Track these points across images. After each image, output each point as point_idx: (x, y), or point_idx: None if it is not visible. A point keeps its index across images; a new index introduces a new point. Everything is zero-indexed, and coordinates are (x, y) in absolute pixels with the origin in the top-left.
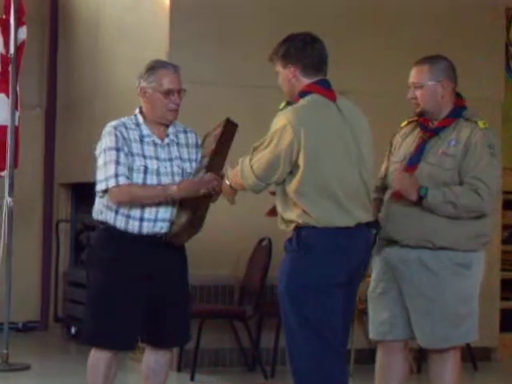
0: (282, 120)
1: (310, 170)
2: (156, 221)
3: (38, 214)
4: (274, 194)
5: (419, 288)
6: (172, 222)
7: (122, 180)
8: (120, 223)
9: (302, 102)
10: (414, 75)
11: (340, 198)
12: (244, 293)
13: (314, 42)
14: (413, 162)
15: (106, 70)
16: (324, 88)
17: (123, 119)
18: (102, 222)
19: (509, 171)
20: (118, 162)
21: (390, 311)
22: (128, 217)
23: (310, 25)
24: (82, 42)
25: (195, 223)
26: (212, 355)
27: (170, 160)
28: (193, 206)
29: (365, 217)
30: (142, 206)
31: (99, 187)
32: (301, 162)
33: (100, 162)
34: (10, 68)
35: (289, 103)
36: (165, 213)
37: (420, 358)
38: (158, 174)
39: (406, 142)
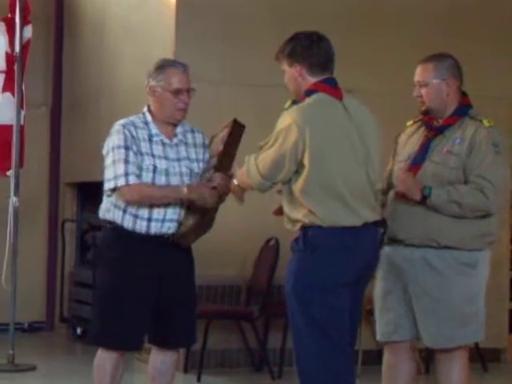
0: (287, 119)
1: (315, 170)
2: (164, 221)
3: (43, 213)
4: (280, 192)
5: (424, 287)
6: (180, 223)
7: (132, 179)
8: (128, 223)
9: (307, 100)
10: (419, 73)
11: (346, 198)
12: (251, 293)
13: (320, 40)
14: (417, 161)
15: (112, 68)
16: (330, 86)
17: (131, 118)
18: (109, 222)
19: None
20: (127, 161)
21: (395, 311)
22: (136, 217)
23: (316, 24)
24: (87, 41)
25: (203, 225)
26: (219, 356)
27: (178, 160)
28: (202, 209)
29: (372, 216)
30: (151, 206)
31: (107, 186)
32: (306, 161)
33: (108, 160)
34: (15, 67)
35: (294, 102)
36: (173, 213)
37: (428, 359)
38: (167, 174)
39: (410, 140)
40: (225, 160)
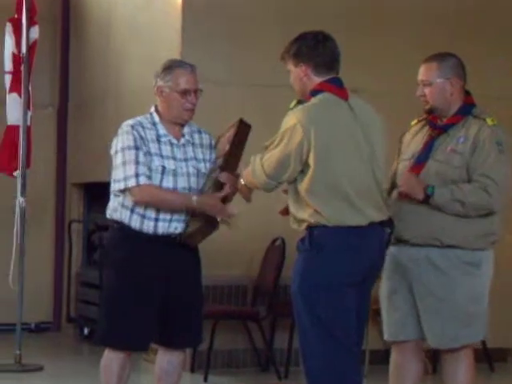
0: (292, 119)
1: (320, 169)
2: (171, 221)
3: (50, 214)
4: (286, 192)
5: (428, 287)
6: (187, 223)
7: (143, 180)
8: (135, 223)
9: (313, 100)
10: (422, 73)
11: (351, 197)
12: (257, 293)
13: (325, 40)
14: (421, 160)
15: (118, 69)
16: (336, 86)
17: (139, 118)
18: (117, 221)
19: None
20: (137, 162)
21: (401, 311)
22: (143, 217)
23: (322, 23)
24: (93, 42)
25: (210, 225)
26: (225, 356)
27: (186, 160)
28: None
29: (377, 216)
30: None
31: (117, 186)
32: (311, 161)
33: (118, 161)
34: (22, 67)
35: (300, 102)
36: (180, 213)
37: (435, 359)
38: (175, 174)
39: (415, 140)
40: (231, 160)
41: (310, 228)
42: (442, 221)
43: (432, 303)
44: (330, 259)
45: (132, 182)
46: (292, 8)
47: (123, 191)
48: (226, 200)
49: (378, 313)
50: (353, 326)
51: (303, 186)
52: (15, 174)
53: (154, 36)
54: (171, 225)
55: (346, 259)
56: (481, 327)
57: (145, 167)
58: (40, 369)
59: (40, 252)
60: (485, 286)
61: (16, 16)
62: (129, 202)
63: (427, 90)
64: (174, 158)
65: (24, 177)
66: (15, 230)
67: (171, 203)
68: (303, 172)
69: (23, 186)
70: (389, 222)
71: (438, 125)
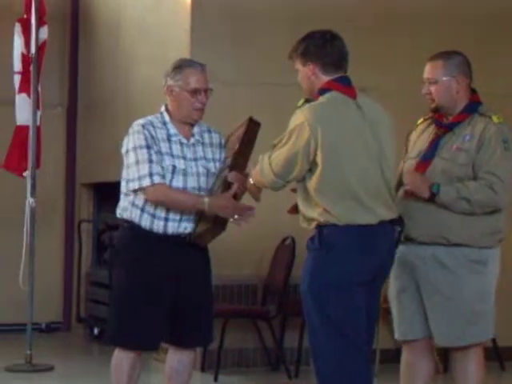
0: (299, 118)
1: (328, 168)
2: (181, 221)
3: (60, 214)
4: (295, 191)
5: (435, 285)
6: (196, 223)
7: (157, 179)
8: (145, 222)
9: (320, 99)
10: (428, 71)
11: (361, 196)
12: (267, 292)
13: (333, 39)
14: (427, 158)
15: (127, 69)
16: (344, 85)
17: (150, 117)
18: (127, 221)
19: None
20: (151, 161)
21: (409, 310)
22: (153, 216)
23: (329, 23)
24: (102, 42)
25: (220, 224)
26: (236, 355)
27: (196, 160)
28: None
29: (387, 214)
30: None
31: (131, 186)
32: (319, 159)
33: (130, 160)
34: (31, 68)
35: (307, 101)
36: (189, 213)
37: (446, 358)
38: (185, 174)
39: (421, 138)
40: (240, 159)
41: (320, 227)
42: (448, 219)
43: (439, 301)
44: (340, 258)
45: (146, 182)
46: (300, 7)
47: (136, 191)
48: (235, 199)
49: (388, 312)
50: (363, 324)
51: (312, 184)
52: (25, 174)
53: (163, 36)
54: (181, 225)
55: (356, 258)
56: (488, 325)
57: (158, 166)
58: (50, 369)
59: (50, 252)
60: (491, 285)
61: (25, 16)
62: (139, 201)
63: (433, 88)
64: (184, 158)
65: (34, 177)
66: (25, 230)
67: (183, 204)
68: (311, 171)
69: (33, 186)
70: (399, 221)
71: (444, 123)
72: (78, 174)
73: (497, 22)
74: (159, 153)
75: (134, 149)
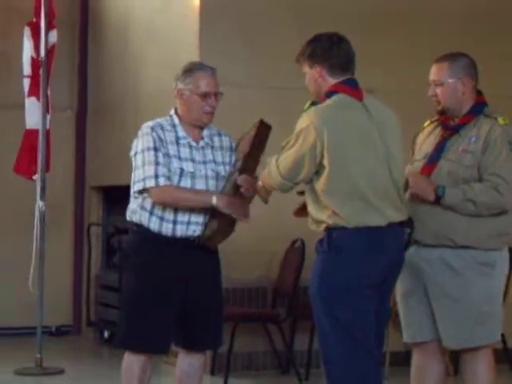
0: (305, 120)
1: (336, 170)
2: (189, 223)
3: (69, 217)
4: (301, 193)
5: (443, 288)
6: (205, 226)
7: (163, 181)
8: (154, 225)
9: (327, 101)
10: (434, 73)
11: (369, 198)
12: (277, 295)
13: (340, 41)
14: (432, 160)
15: (136, 72)
16: (350, 87)
17: (159, 120)
18: (136, 224)
19: None
20: (157, 163)
21: (417, 312)
22: (162, 219)
23: (337, 25)
24: (111, 45)
25: (228, 226)
26: (245, 358)
27: (204, 163)
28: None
29: (396, 216)
30: (176, 209)
31: (136, 187)
32: (326, 162)
33: (138, 162)
34: (40, 71)
35: (314, 103)
36: (198, 216)
37: (457, 360)
38: (193, 176)
39: (427, 140)
40: (250, 161)
41: (329, 229)
42: (454, 221)
43: (447, 304)
44: (349, 261)
45: (151, 183)
46: (311, 10)
47: (142, 192)
48: (244, 201)
49: (397, 314)
50: (372, 327)
51: (320, 186)
52: (34, 177)
53: (172, 39)
54: (189, 227)
55: (365, 261)
56: (496, 327)
57: (164, 168)
58: (61, 372)
59: (59, 255)
60: (499, 287)
61: (34, 20)
62: (148, 203)
63: (439, 90)
64: (193, 161)
65: (43, 180)
66: (35, 233)
67: (190, 201)
68: (319, 173)
69: (42, 189)
70: (408, 223)
71: (450, 125)
72: (87, 177)
73: (504, 22)
74: (167, 155)
75: (142, 151)
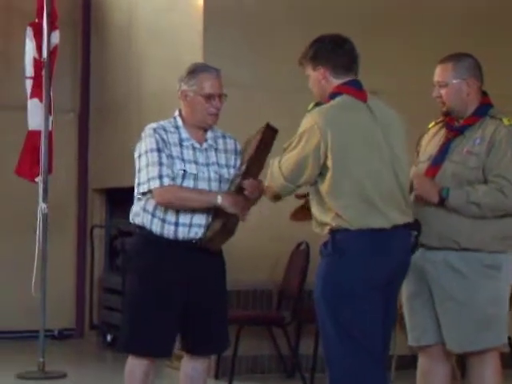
0: (309, 121)
1: (339, 172)
2: (191, 226)
3: (72, 219)
4: (299, 197)
5: (448, 291)
6: (207, 228)
7: (167, 181)
8: (156, 227)
9: (331, 103)
10: (438, 74)
11: (373, 200)
12: (282, 298)
13: (343, 42)
14: (437, 161)
15: (140, 72)
16: (354, 88)
17: (162, 122)
18: (139, 226)
19: None
20: (161, 163)
21: (421, 315)
22: (163, 221)
23: (340, 28)
24: (114, 46)
25: (230, 227)
26: (250, 362)
27: (208, 165)
28: (227, 213)
29: (401, 219)
30: (177, 211)
31: (141, 189)
32: (329, 163)
33: (141, 163)
34: (43, 72)
35: (317, 104)
36: (200, 218)
37: (463, 365)
38: (196, 178)
39: (432, 142)
40: (255, 164)
41: (333, 232)
42: (458, 223)
43: (451, 307)
44: (353, 264)
45: (155, 184)
46: (314, 12)
47: (146, 193)
48: (248, 203)
49: (403, 317)
50: (376, 329)
51: (324, 188)
52: (37, 179)
53: (176, 39)
54: (191, 230)
55: (369, 263)
56: (501, 330)
57: (168, 169)
58: (63, 376)
59: (62, 258)
60: (505, 290)
61: (37, 21)
62: (150, 205)
63: (443, 91)
64: (196, 163)
65: (46, 182)
66: (37, 235)
67: (195, 200)
68: (322, 174)
69: (45, 191)
70: (415, 225)
71: (455, 127)
72: (90, 180)
73: (508, 23)
74: (170, 157)
75: (145, 152)
